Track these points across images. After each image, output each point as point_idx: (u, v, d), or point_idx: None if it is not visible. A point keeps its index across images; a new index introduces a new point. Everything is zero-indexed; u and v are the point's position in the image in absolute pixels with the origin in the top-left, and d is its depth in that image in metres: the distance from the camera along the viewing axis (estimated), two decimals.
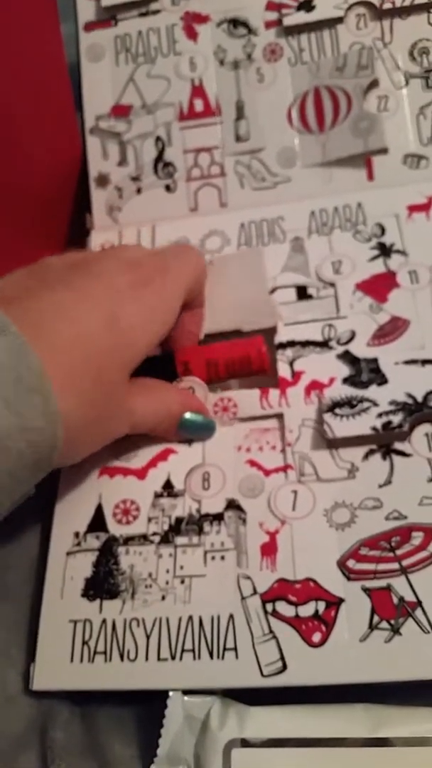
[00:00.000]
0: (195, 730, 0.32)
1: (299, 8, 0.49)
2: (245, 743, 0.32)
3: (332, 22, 0.49)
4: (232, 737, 0.32)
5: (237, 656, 0.33)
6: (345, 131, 0.45)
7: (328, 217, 0.44)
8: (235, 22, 0.51)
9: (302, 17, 0.49)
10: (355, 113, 0.45)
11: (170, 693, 0.32)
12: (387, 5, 0.48)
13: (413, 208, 0.42)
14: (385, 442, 0.36)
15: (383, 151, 0.44)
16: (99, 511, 0.38)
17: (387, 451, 0.36)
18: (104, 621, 0.35)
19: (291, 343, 0.40)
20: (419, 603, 0.32)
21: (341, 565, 0.34)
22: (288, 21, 0.49)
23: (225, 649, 0.33)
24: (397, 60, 0.47)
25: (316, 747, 0.31)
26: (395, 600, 0.32)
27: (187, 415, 0.37)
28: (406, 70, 0.46)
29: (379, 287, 0.41)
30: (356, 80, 0.46)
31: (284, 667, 0.32)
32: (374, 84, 0.46)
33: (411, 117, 0.45)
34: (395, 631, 0.32)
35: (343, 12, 0.48)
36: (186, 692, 0.32)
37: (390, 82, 0.46)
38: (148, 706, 0.33)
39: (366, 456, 0.36)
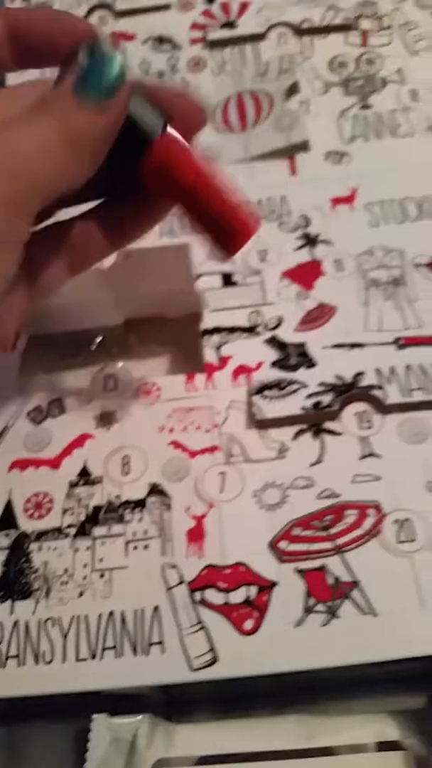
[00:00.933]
0: (123, 752, 0.29)
1: (222, 27, 0.51)
2: (173, 762, 0.28)
3: (254, 38, 0.50)
4: (160, 757, 0.29)
5: (163, 651, 0.29)
6: (267, 128, 0.46)
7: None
8: (160, 39, 0.52)
9: (225, 33, 0.51)
10: (278, 111, 0.46)
11: (94, 716, 0.29)
12: (306, 25, 0.50)
13: (337, 200, 0.43)
14: (315, 422, 0.35)
15: (305, 147, 0.45)
16: (8, 508, 0.34)
17: (317, 431, 0.34)
18: (16, 623, 0.31)
19: (217, 330, 0.39)
20: (356, 583, 0.30)
21: (273, 546, 0.31)
22: (212, 36, 0.51)
23: (150, 643, 0.29)
24: (317, 71, 0.48)
25: (248, 762, 0.28)
26: (330, 581, 0.30)
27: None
28: (327, 79, 0.48)
29: (305, 275, 0.40)
30: (278, 83, 0.48)
31: (215, 659, 0.29)
32: (296, 89, 0.47)
33: (332, 119, 0.46)
34: (332, 613, 0.29)
35: (264, 29, 0.50)
36: (112, 713, 0.29)
37: (311, 89, 0.48)
38: (76, 725, 0.30)
39: (296, 436, 0.34)
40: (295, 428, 0.35)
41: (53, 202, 0.23)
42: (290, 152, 0.45)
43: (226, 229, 0.26)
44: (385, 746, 0.28)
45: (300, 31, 0.50)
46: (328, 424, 0.35)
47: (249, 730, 0.30)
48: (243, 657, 0.29)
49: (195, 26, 0.52)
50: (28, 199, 0.22)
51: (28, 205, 0.22)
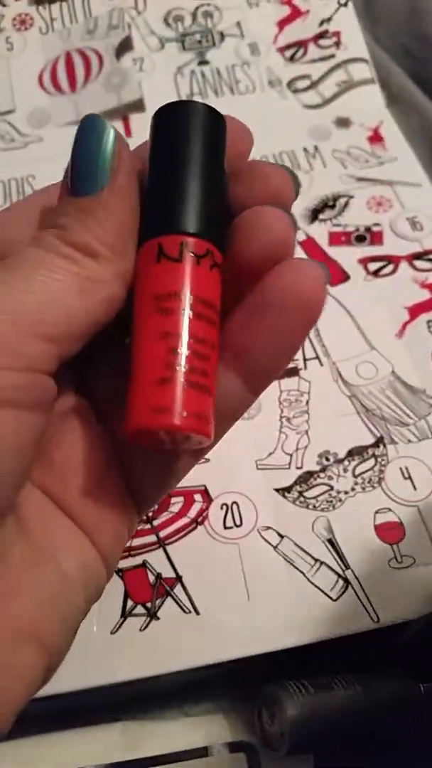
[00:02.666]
0: None
1: None
2: None
3: None
4: None
5: None
6: (98, 88, 0.42)
7: None
8: None
9: None
10: (107, 70, 0.43)
11: None
12: None
13: None
14: None
15: (140, 107, 0.42)
16: None
17: None
18: None
19: None
20: (179, 578, 0.27)
21: None
22: None
23: None
24: (151, 26, 0.45)
25: None
26: (151, 579, 0.27)
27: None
28: (162, 35, 0.45)
29: None
30: (107, 40, 0.44)
31: None
32: (128, 46, 0.44)
33: (169, 76, 0.43)
34: (151, 615, 0.26)
35: None
36: None
37: (145, 45, 0.44)
38: None
39: None
40: None
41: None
42: (125, 112, 0.42)
43: (128, 402, 0.16)
44: (217, 749, 0.26)
45: None
46: None
47: (69, 743, 0.26)
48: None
49: None
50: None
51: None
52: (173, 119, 0.17)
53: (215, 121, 0.17)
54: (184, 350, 0.15)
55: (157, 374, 0.15)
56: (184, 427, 0.15)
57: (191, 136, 0.16)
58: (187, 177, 0.16)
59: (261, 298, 0.16)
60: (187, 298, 0.15)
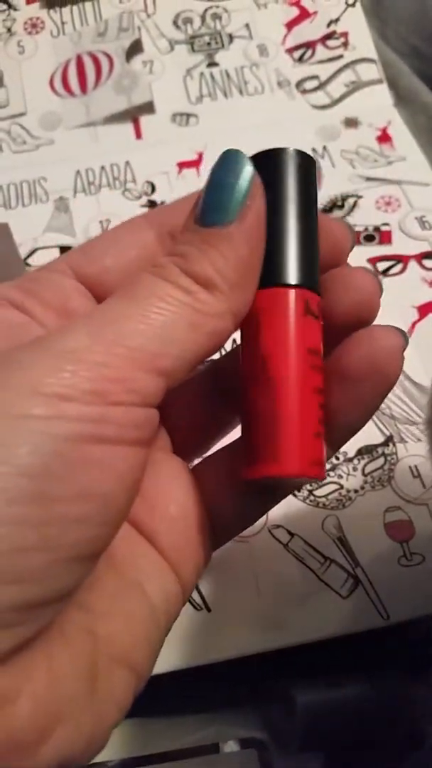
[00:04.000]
0: None
1: None
2: None
3: None
4: None
5: None
6: (108, 90, 0.42)
7: (95, 176, 0.40)
8: None
9: None
10: (117, 73, 0.43)
11: None
12: None
13: (183, 164, 0.40)
14: None
15: (150, 109, 0.42)
16: None
17: None
18: None
19: None
20: None
21: None
22: None
23: None
24: (161, 29, 0.45)
25: None
26: None
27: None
28: (171, 37, 0.45)
29: None
30: (118, 42, 0.44)
31: None
32: (138, 49, 0.44)
33: (178, 78, 0.43)
34: None
35: None
36: None
37: (155, 48, 0.44)
38: None
39: None
40: None
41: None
42: (135, 114, 0.42)
43: (255, 447, 0.16)
44: (228, 745, 0.26)
45: None
46: None
47: None
48: None
49: None
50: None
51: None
52: (271, 169, 0.17)
53: (309, 163, 0.17)
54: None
55: (313, 428, 0.16)
56: (321, 477, 0.16)
57: (294, 183, 0.17)
58: (308, 228, 0.17)
59: (339, 365, 0.17)
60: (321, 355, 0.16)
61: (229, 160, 0.16)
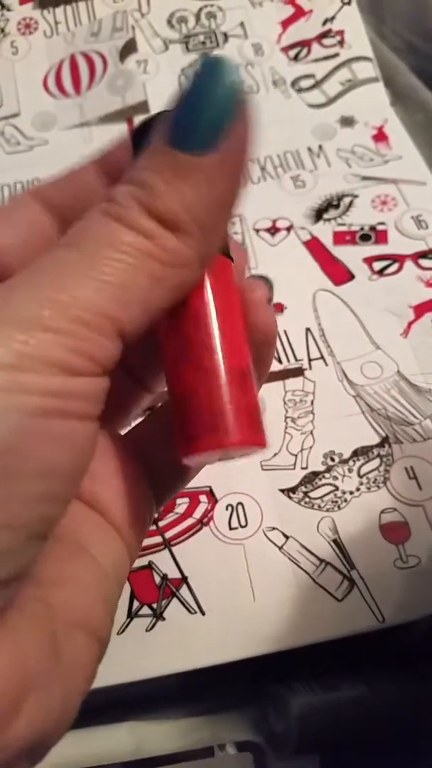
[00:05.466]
0: None
1: None
2: None
3: None
4: None
5: None
6: (102, 90, 0.42)
7: None
8: None
9: None
10: (111, 73, 0.43)
11: None
12: None
13: None
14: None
15: (144, 109, 0.42)
16: None
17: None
18: None
19: None
20: (184, 579, 0.27)
21: None
22: None
23: None
24: (155, 28, 0.45)
25: None
26: (157, 580, 0.27)
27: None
28: (165, 36, 0.45)
29: None
30: (111, 42, 0.44)
31: None
32: (133, 48, 0.44)
33: (173, 78, 0.43)
34: (157, 616, 0.26)
35: None
36: None
37: (149, 47, 0.44)
38: None
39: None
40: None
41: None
42: (129, 114, 0.42)
43: (190, 422, 0.15)
44: (224, 748, 0.26)
45: None
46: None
47: (78, 743, 0.27)
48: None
49: None
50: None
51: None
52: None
53: None
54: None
55: (251, 395, 0.15)
56: (264, 444, 0.15)
57: None
58: None
59: None
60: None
61: (215, 67, 0.13)
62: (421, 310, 0.33)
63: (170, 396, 0.15)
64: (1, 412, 0.11)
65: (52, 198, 0.17)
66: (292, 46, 0.44)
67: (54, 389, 0.12)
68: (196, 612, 0.26)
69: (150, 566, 0.28)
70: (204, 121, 0.13)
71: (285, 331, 0.33)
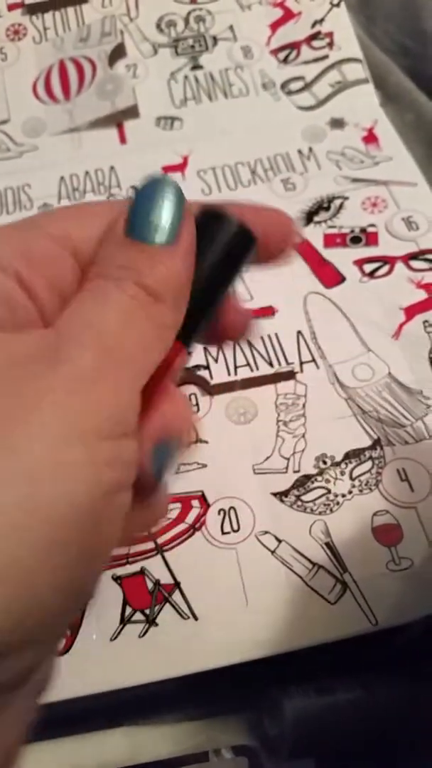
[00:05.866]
0: None
1: None
2: None
3: (76, 0, 0.47)
4: None
5: None
6: (91, 96, 0.42)
7: (79, 181, 0.40)
8: None
9: None
10: (101, 78, 0.43)
11: None
12: None
13: (168, 168, 0.40)
14: None
15: (134, 113, 0.42)
16: None
17: None
18: None
19: None
20: (177, 584, 0.27)
21: None
22: (30, 0, 0.47)
23: None
24: (144, 32, 0.45)
25: None
26: (150, 585, 0.27)
27: None
28: (154, 40, 0.45)
29: None
30: (100, 47, 0.44)
31: None
32: (122, 53, 0.44)
33: (162, 82, 0.43)
34: (150, 621, 0.26)
35: None
36: None
37: (138, 51, 0.44)
38: None
39: None
40: None
41: None
42: (119, 119, 0.42)
43: None
44: (219, 753, 0.26)
45: None
46: None
47: (72, 750, 0.27)
48: (55, 680, 0.26)
49: None
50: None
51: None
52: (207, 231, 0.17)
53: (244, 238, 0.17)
54: None
55: None
56: None
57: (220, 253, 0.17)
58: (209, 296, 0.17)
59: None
60: None
61: (159, 183, 0.16)
62: (411, 311, 0.33)
63: None
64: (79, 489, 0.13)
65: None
66: (281, 49, 0.44)
67: (113, 456, 0.13)
68: (189, 617, 0.26)
69: (142, 572, 0.27)
70: (164, 223, 0.16)
71: (276, 335, 0.33)
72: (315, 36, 0.45)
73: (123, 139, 0.41)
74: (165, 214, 0.16)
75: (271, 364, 0.32)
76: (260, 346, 0.33)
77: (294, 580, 0.27)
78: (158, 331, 0.15)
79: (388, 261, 0.35)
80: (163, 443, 0.17)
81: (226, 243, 0.17)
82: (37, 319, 0.16)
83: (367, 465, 0.29)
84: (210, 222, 0.17)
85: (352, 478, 0.29)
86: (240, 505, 0.29)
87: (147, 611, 0.27)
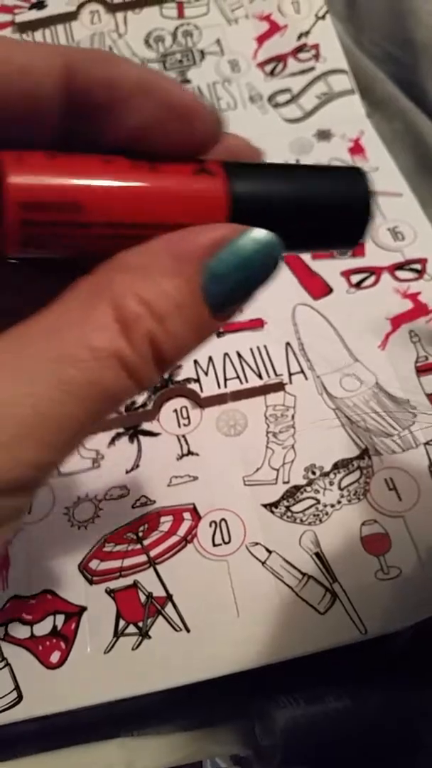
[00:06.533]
0: None
1: (31, 8, 0.48)
2: None
3: (65, 18, 0.47)
4: None
5: None
6: None
7: None
8: None
9: (34, 14, 0.47)
10: None
11: None
12: (118, 0, 0.47)
13: None
14: (132, 424, 0.32)
15: None
16: None
17: (134, 433, 0.32)
18: None
19: None
20: (169, 597, 0.28)
21: (83, 568, 0.29)
22: (20, 18, 0.47)
23: None
24: (133, 48, 0.46)
25: None
26: (143, 598, 0.28)
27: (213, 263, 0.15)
28: (143, 56, 0.45)
29: None
30: None
31: (20, 697, 0.26)
32: None
33: None
34: (143, 634, 0.27)
35: (75, 8, 0.47)
36: None
37: None
38: None
39: (112, 441, 0.32)
40: (111, 433, 0.32)
41: None
42: None
43: None
44: (212, 763, 0.27)
45: (112, 6, 0.47)
46: (146, 425, 0.32)
47: (67, 762, 0.27)
48: (49, 693, 0.26)
49: (3, 9, 0.48)
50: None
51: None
52: None
53: None
54: None
55: None
56: None
57: None
58: None
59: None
60: None
61: (272, 250, 0.15)
62: (397, 321, 0.34)
63: None
64: None
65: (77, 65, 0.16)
66: (268, 62, 0.45)
67: None
68: (181, 629, 0.27)
69: (135, 585, 0.28)
70: (242, 298, 0.15)
71: (265, 346, 0.34)
72: (301, 48, 0.45)
73: None
74: (249, 295, 0.15)
75: (260, 376, 0.33)
76: (249, 358, 0.33)
77: (284, 590, 0.27)
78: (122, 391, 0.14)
79: (375, 271, 0.36)
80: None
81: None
82: None
83: (356, 475, 0.30)
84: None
85: (340, 488, 0.30)
86: (231, 517, 0.29)
87: (140, 624, 0.27)
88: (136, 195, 0.15)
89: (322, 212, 0.16)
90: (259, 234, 0.15)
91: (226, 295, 0.15)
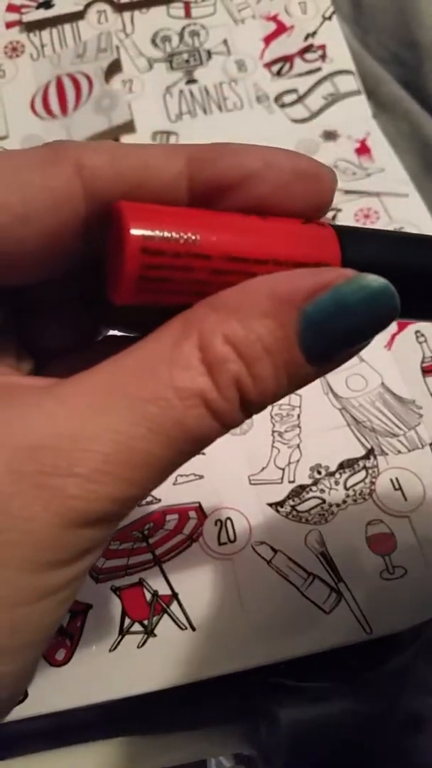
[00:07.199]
0: None
1: (38, 7, 0.48)
2: None
3: (73, 18, 0.47)
4: None
5: None
6: (88, 111, 0.43)
7: None
8: None
9: (42, 14, 0.47)
10: (97, 93, 0.43)
11: None
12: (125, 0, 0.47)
13: None
14: None
15: (130, 128, 0.42)
16: None
17: None
18: None
19: None
20: (175, 595, 0.28)
21: None
22: (27, 18, 0.47)
23: None
24: (139, 48, 0.46)
25: None
26: (148, 597, 0.28)
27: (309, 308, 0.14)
28: (150, 56, 0.45)
29: None
30: (97, 63, 0.45)
31: (25, 695, 0.26)
32: (118, 68, 0.45)
33: (158, 97, 0.44)
34: (148, 632, 0.27)
35: (82, 7, 0.47)
36: None
37: (134, 67, 0.45)
38: None
39: None
40: None
41: None
42: (116, 134, 0.43)
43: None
44: (216, 762, 0.27)
45: (119, 6, 0.47)
46: None
47: (68, 761, 0.27)
48: (54, 691, 0.26)
49: (11, 8, 0.48)
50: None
51: None
52: None
53: None
54: None
55: None
56: None
57: None
58: None
59: None
60: None
61: (383, 298, 0.14)
62: (403, 323, 0.34)
63: None
64: None
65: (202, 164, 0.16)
66: (274, 62, 0.45)
67: None
68: (186, 628, 0.27)
69: (141, 583, 0.28)
70: (344, 348, 0.14)
71: None
72: (308, 49, 0.45)
73: None
74: (353, 346, 0.14)
75: None
76: None
77: (289, 589, 0.27)
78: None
79: None
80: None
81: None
82: None
83: (361, 475, 0.30)
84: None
85: (346, 488, 0.30)
86: (236, 516, 0.29)
87: (145, 622, 0.27)
88: (252, 229, 0.15)
89: None
90: (369, 280, 0.14)
91: (323, 344, 0.14)
